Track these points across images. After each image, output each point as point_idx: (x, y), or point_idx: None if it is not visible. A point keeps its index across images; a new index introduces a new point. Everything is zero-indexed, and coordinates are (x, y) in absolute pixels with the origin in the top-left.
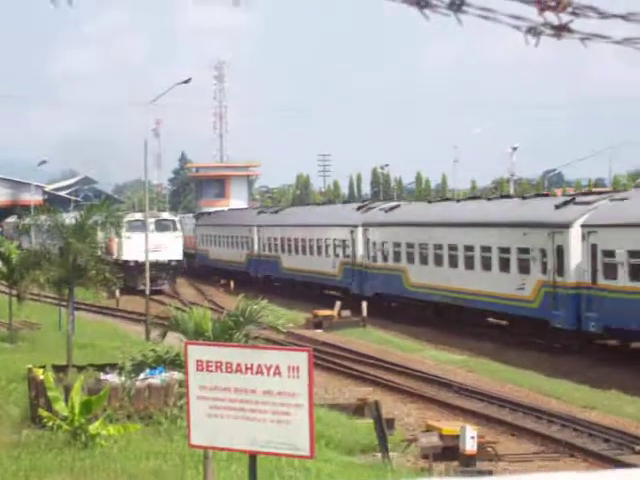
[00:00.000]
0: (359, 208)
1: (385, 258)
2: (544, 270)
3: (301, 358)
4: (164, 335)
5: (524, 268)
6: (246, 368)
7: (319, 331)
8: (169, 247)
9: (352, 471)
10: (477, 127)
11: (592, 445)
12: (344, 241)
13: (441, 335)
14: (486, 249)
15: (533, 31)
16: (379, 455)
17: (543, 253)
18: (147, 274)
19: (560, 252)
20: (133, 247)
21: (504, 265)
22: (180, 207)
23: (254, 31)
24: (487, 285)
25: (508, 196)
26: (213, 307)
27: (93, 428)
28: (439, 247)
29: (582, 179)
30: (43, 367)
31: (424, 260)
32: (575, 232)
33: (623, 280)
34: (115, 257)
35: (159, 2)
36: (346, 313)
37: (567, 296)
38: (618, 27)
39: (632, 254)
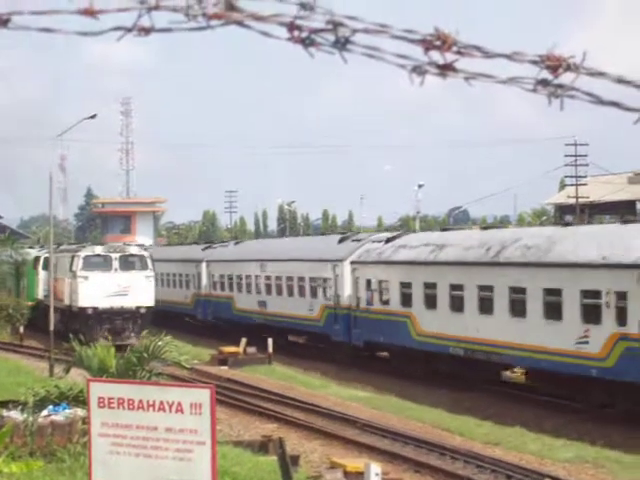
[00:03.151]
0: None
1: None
2: (195, 287)
3: (203, 395)
4: (68, 371)
5: (188, 286)
6: (148, 405)
7: (224, 368)
8: (137, 290)
9: None
10: (387, 165)
11: None
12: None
13: (346, 372)
14: (179, 275)
15: (418, 70)
16: None
17: (194, 277)
18: (51, 310)
19: (200, 276)
20: (91, 290)
21: (182, 285)
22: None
23: (153, 68)
24: (178, 297)
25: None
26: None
27: None
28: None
29: (488, 216)
30: None
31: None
32: (204, 264)
33: (219, 291)
34: (67, 303)
35: (54, 40)
36: (252, 350)
37: (203, 301)
38: (507, 67)
39: (221, 276)
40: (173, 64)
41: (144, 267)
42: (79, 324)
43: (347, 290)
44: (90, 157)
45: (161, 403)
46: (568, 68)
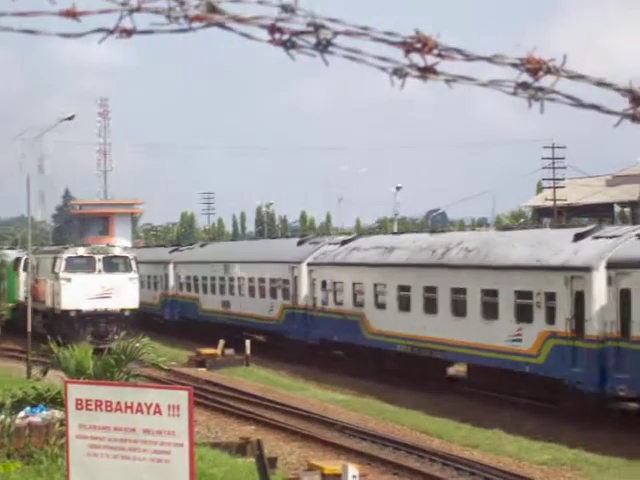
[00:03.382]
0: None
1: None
2: (162, 287)
3: (181, 397)
4: (45, 373)
5: (156, 287)
6: (126, 407)
7: (202, 369)
8: (122, 292)
9: None
10: (364, 167)
11: None
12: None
13: (325, 374)
14: (147, 276)
15: (399, 72)
16: None
17: (162, 278)
18: (29, 311)
19: (167, 277)
20: (74, 292)
21: (150, 286)
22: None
23: (130, 69)
24: (147, 298)
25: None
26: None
27: None
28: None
29: (466, 218)
30: None
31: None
32: (171, 266)
33: (186, 291)
34: (49, 305)
35: (28, 40)
36: (230, 352)
37: (170, 302)
38: (487, 70)
39: (187, 277)
40: (149, 64)
41: (128, 269)
42: (62, 327)
43: (304, 291)
44: (68, 158)
45: (139, 405)
46: (548, 71)
